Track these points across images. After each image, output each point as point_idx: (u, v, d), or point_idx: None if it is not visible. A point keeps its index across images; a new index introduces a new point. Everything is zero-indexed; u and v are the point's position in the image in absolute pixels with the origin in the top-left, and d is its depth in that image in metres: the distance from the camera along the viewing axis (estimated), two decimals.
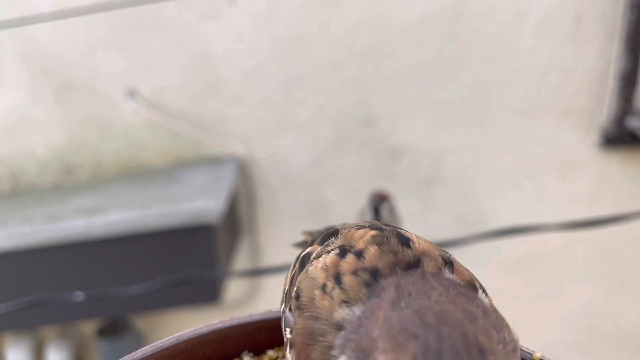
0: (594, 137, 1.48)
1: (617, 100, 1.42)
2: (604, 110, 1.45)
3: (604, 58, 1.41)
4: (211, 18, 1.43)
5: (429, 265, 0.32)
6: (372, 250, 0.33)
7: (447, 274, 0.32)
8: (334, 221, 0.44)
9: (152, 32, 1.44)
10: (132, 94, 1.49)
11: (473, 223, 1.54)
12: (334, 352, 0.29)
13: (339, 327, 0.30)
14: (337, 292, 0.31)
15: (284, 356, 0.43)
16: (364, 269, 0.32)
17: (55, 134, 1.55)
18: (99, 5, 1.40)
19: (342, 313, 0.30)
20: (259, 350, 0.43)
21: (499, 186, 1.55)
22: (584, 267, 1.61)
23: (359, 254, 0.33)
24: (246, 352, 0.42)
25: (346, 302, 0.30)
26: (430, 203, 1.57)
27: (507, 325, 0.28)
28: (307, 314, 0.32)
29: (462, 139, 1.51)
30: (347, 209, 1.59)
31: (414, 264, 0.32)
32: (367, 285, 0.31)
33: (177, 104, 1.50)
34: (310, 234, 0.50)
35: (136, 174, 1.56)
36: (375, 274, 0.31)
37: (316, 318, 0.32)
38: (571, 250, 1.58)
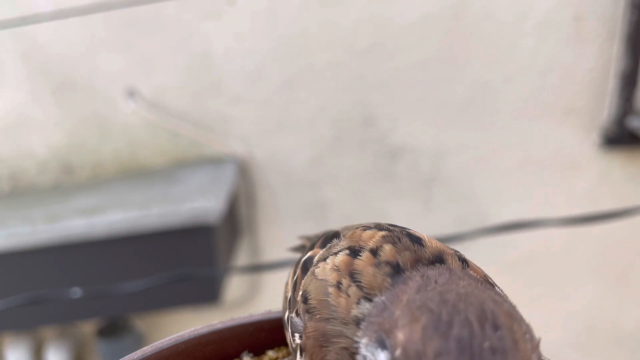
0: (594, 137, 1.48)
1: (618, 100, 1.42)
2: (605, 110, 1.45)
3: (604, 58, 1.41)
4: (211, 18, 1.43)
5: (452, 262, 0.32)
6: (387, 248, 0.33)
7: (468, 271, 0.32)
8: (334, 221, 0.44)
9: (152, 32, 1.44)
10: (131, 94, 1.49)
11: (473, 223, 1.54)
12: (357, 340, 0.29)
13: (357, 321, 0.30)
14: (353, 290, 0.31)
15: (284, 356, 0.43)
16: (386, 262, 0.32)
17: (55, 134, 1.55)
18: (99, 5, 1.40)
19: (361, 308, 0.30)
20: (259, 351, 0.43)
21: (499, 186, 1.55)
22: (584, 267, 1.61)
23: (374, 252, 0.33)
24: (246, 352, 0.42)
25: (367, 296, 0.30)
26: (431, 203, 1.57)
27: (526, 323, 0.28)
28: (318, 316, 0.32)
29: (462, 138, 1.51)
30: (347, 209, 1.59)
31: (438, 261, 0.32)
32: (391, 276, 0.31)
33: (177, 104, 1.50)
34: (307, 238, 0.50)
35: (136, 174, 1.56)
36: (397, 268, 0.31)
37: (328, 320, 0.31)
38: (572, 250, 1.58)
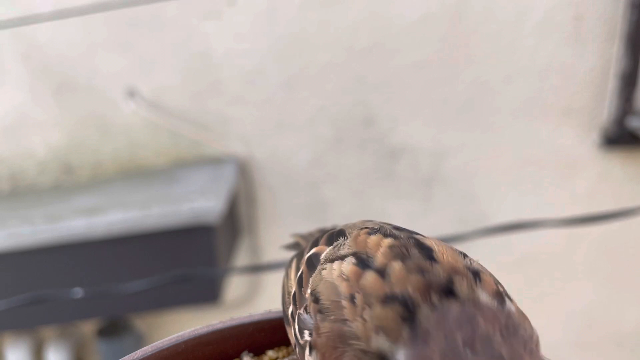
0: (594, 137, 1.48)
1: (618, 100, 1.42)
2: (604, 110, 1.45)
3: (604, 58, 1.41)
4: (211, 18, 1.43)
5: (462, 287, 0.30)
6: (396, 269, 0.31)
7: (481, 294, 0.30)
8: (334, 221, 0.44)
9: (152, 32, 1.44)
10: (131, 93, 1.49)
11: (473, 223, 1.54)
12: None
13: (380, 356, 0.29)
14: (368, 314, 0.30)
15: (284, 356, 0.42)
16: (395, 298, 0.30)
17: (55, 134, 1.55)
18: (99, 5, 1.40)
19: (381, 342, 0.29)
20: (258, 351, 0.43)
21: (499, 186, 1.55)
22: (584, 266, 1.61)
23: (382, 272, 0.32)
24: (246, 352, 0.42)
25: (383, 332, 0.29)
26: (430, 203, 1.57)
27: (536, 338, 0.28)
28: (333, 317, 0.31)
29: (462, 138, 1.51)
30: (347, 209, 1.59)
31: (448, 288, 0.30)
32: (404, 319, 0.29)
33: (177, 104, 1.50)
34: (301, 236, 0.50)
35: (136, 174, 1.56)
36: (409, 305, 0.29)
37: (344, 321, 0.30)
38: (572, 250, 1.58)
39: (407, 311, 0.29)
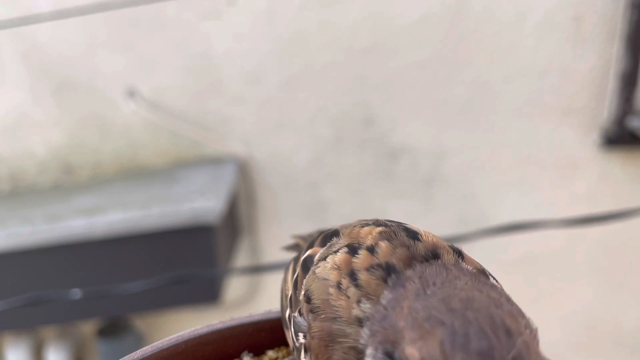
0: (595, 137, 1.48)
1: (618, 100, 1.42)
2: (605, 110, 1.45)
3: (604, 58, 1.41)
4: (211, 18, 1.43)
5: (447, 256, 0.32)
6: (383, 246, 0.33)
7: (463, 264, 0.32)
8: (334, 221, 0.44)
9: (152, 32, 1.44)
10: (132, 94, 1.49)
11: (473, 223, 1.54)
12: (362, 342, 0.29)
13: (359, 321, 0.30)
14: (352, 290, 0.31)
15: (284, 356, 0.43)
16: (379, 265, 0.32)
17: (55, 134, 1.55)
18: (99, 5, 1.40)
19: (362, 307, 0.30)
20: (258, 351, 0.43)
21: (499, 186, 1.55)
22: (584, 266, 1.61)
23: (371, 250, 0.33)
24: (246, 352, 0.42)
25: (366, 297, 0.30)
26: (430, 203, 1.57)
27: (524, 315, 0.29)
28: (323, 316, 0.32)
29: (462, 138, 1.51)
30: (347, 209, 1.59)
31: (432, 256, 0.32)
32: (385, 280, 0.31)
33: (177, 104, 1.50)
34: (301, 237, 0.50)
35: (136, 174, 1.56)
36: (390, 269, 0.31)
37: (333, 319, 0.31)
38: (571, 250, 1.58)
39: (388, 274, 0.31)
